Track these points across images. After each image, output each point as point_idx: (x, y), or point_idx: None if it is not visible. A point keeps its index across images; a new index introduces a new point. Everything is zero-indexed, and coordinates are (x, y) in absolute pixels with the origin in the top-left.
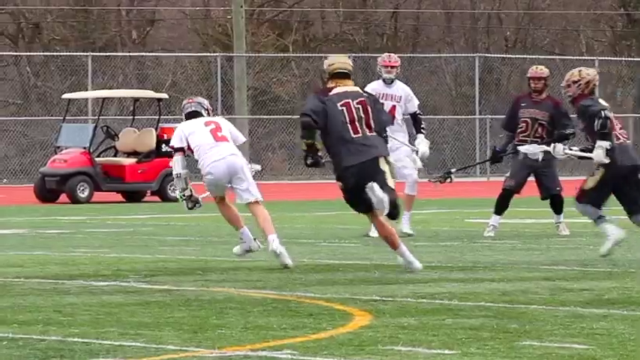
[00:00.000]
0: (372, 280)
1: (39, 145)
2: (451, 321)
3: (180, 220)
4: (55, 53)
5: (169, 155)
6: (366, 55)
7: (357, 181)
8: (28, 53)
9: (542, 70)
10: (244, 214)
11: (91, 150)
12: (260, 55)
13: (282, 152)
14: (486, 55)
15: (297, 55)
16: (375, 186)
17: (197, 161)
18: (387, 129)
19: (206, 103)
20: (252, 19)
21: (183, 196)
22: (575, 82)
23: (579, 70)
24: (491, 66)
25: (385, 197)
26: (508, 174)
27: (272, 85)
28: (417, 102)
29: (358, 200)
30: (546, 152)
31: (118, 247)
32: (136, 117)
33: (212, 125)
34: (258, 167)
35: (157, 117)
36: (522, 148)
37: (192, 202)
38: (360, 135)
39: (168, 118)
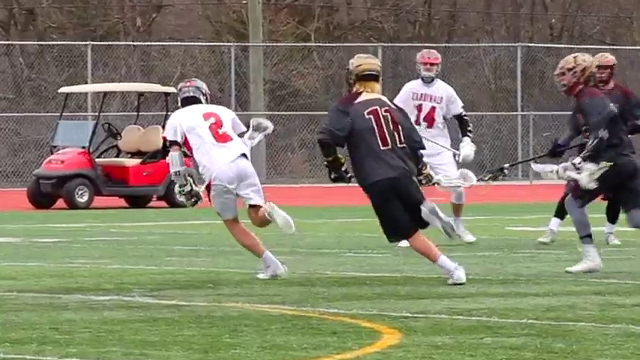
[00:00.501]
0: (402, 295)
1: (33, 144)
2: (490, 340)
3: (190, 228)
4: (50, 42)
5: None
6: (396, 45)
7: (388, 196)
8: (21, 42)
9: (608, 58)
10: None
11: (91, 150)
12: (278, 44)
13: (302, 152)
14: (529, 44)
15: (320, 44)
16: (428, 211)
17: (198, 165)
18: (427, 133)
19: (205, 87)
20: (269, 4)
21: (183, 191)
22: (570, 69)
23: (574, 57)
24: (534, 57)
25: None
26: None
27: (291, 77)
28: (460, 103)
29: (391, 214)
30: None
31: (120, 257)
32: (140, 113)
33: (212, 119)
34: (269, 127)
35: (164, 113)
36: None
37: (193, 197)
38: (388, 147)
39: None
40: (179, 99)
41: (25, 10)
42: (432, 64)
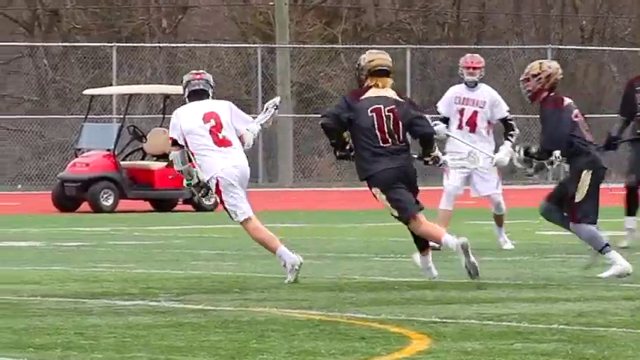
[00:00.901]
0: (430, 300)
1: (57, 146)
2: (520, 345)
3: (216, 232)
4: (75, 44)
5: None
6: (424, 46)
7: (390, 183)
8: (45, 43)
9: None
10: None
11: (116, 153)
12: (305, 46)
13: (329, 156)
14: (560, 46)
15: (347, 46)
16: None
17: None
18: (468, 137)
19: (212, 80)
20: (296, 5)
21: (190, 184)
22: (534, 75)
23: (540, 63)
24: (565, 59)
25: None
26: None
27: (319, 80)
28: (505, 107)
29: (397, 197)
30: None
31: (146, 262)
32: (166, 116)
33: (212, 121)
34: (277, 98)
35: None
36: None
37: (203, 189)
38: (389, 144)
39: None
40: (187, 91)
41: (49, 11)
42: (475, 68)
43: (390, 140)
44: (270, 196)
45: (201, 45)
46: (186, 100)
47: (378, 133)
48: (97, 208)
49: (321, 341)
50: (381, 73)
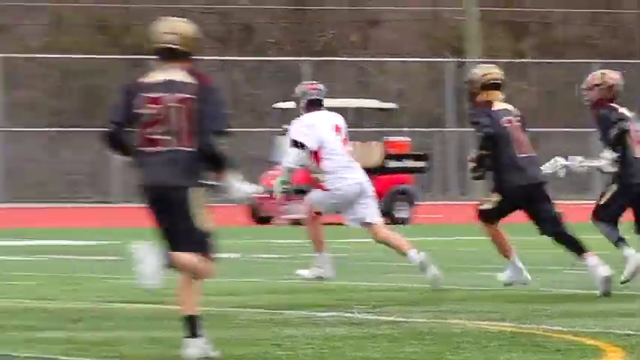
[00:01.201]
0: (624, 312)
1: (250, 159)
2: None
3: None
4: (267, 58)
5: (396, 171)
6: (613, 61)
7: (514, 201)
8: (239, 58)
9: None
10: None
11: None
12: (496, 60)
13: None
14: None
15: (538, 60)
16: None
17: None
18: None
19: (324, 91)
20: (484, 20)
21: (284, 187)
22: (597, 85)
23: (602, 73)
24: None
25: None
26: None
27: (507, 93)
28: None
29: (503, 209)
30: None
31: (340, 273)
32: (360, 129)
33: (341, 134)
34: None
35: (381, 129)
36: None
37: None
38: (525, 155)
39: (393, 130)
40: (304, 102)
41: (242, 26)
42: None
43: (524, 150)
44: (462, 208)
45: (391, 59)
46: (302, 111)
47: (514, 142)
48: (294, 221)
49: (515, 353)
50: (494, 86)
